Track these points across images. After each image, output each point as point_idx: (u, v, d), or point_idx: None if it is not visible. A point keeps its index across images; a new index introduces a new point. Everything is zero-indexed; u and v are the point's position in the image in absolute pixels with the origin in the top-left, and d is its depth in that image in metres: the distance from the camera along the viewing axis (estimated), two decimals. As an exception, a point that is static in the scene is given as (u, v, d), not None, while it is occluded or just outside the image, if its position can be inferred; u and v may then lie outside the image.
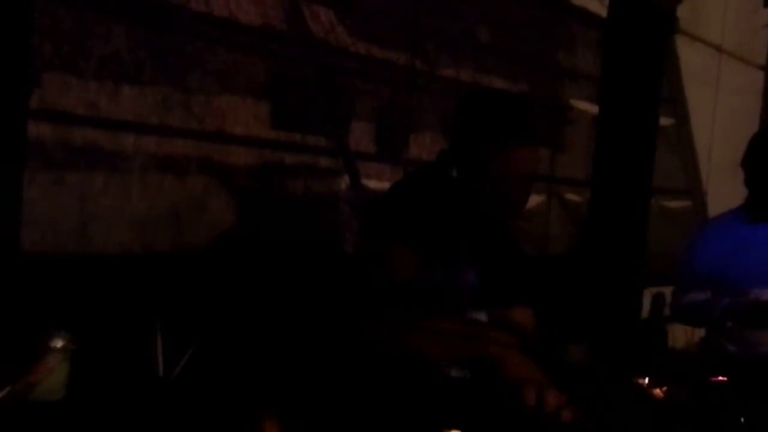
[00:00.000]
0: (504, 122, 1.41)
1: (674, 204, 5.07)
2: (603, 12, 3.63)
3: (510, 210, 1.46)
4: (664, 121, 4.35)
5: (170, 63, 2.30)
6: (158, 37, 2.25)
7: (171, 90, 2.29)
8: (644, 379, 1.27)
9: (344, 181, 2.79)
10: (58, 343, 1.66)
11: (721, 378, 1.40)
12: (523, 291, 1.59)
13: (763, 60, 5.54)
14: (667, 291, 2.41)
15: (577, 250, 3.97)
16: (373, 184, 2.77)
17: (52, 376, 1.55)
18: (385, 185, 2.56)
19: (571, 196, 4.24)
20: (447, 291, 1.46)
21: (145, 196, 2.26)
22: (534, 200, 4.15)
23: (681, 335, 3.73)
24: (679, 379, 1.34)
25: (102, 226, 2.19)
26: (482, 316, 1.52)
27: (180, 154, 2.33)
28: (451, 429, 1.03)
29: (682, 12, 3.99)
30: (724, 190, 4.42)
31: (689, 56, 4.63)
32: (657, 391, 1.26)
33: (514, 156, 1.40)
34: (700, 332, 2.52)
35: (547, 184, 3.98)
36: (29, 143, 2.05)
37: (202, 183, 2.38)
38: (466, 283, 1.49)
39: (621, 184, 3.66)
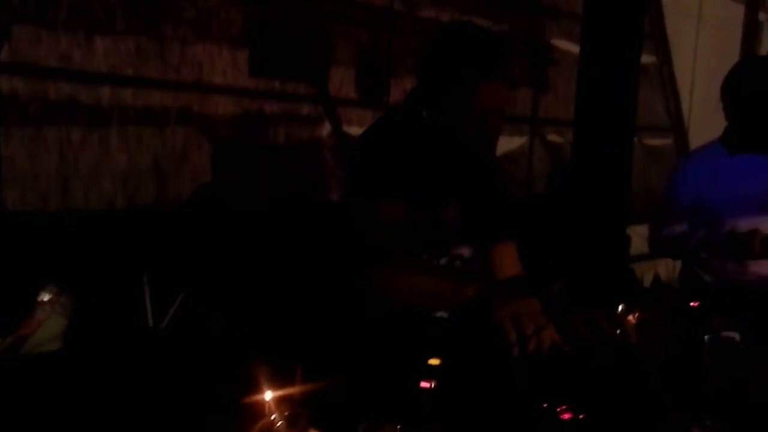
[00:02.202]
0: (473, 57, 1.39)
1: (657, 142, 5.09)
2: (584, -53, 3.56)
3: (485, 144, 1.46)
4: (646, 58, 4.33)
5: (143, 11, 2.24)
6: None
7: (145, 40, 2.24)
8: (619, 306, 1.31)
9: (326, 128, 2.77)
10: (46, 297, 1.68)
11: (693, 303, 1.45)
12: (505, 225, 1.61)
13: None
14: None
15: (559, 190, 4.00)
16: (354, 130, 2.76)
17: (42, 329, 1.57)
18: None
19: (554, 137, 4.25)
20: (431, 229, 1.48)
21: (125, 149, 2.24)
22: (516, 141, 4.15)
23: (663, 270, 3.81)
24: (654, 306, 1.38)
25: (83, 181, 2.17)
26: (466, 252, 1.54)
27: (158, 105, 2.30)
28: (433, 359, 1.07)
29: (663, -55, 3.93)
30: (707, 127, 4.43)
31: (671, -9, 4.58)
32: (630, 317, 1.31)
33: (485, 90, 1.38)
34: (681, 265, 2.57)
35: (530, 125, 3.97)
36: (2, 98, 2.01)
37: (181, 134, 2.35)
38: (449, 220, 1.51)
39: (604, 124, 3.66)
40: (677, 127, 5.19)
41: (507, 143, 3.98)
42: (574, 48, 3.97)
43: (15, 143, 2.06)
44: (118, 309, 1.94)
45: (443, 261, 1.51)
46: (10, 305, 1.72)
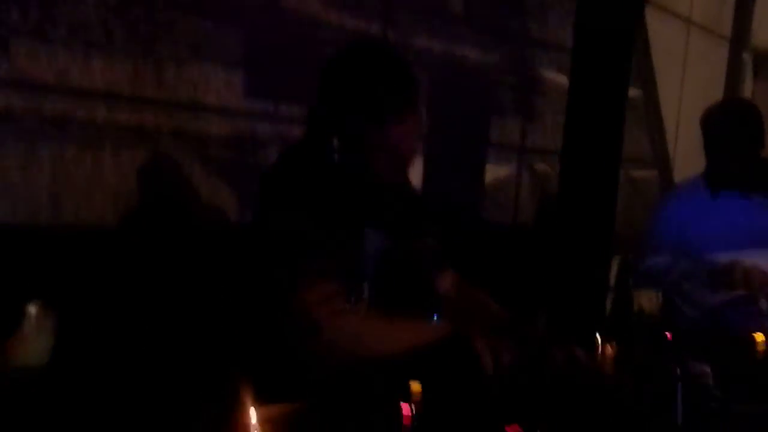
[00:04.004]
0: (384, 95, 1.31)
1: (641, 174, 5.17)
2: (575, -18, 3.65)
3: (395, 174, 1.40)
4: (633, 92, 4.42)
5: (141, 30, 2.28)
6: (128, 3, 2.23)
7: (142, 59, 2.28)
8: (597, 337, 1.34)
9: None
10: (33, 312, 1.68)
11: (668, 334, 1.48)
12: (443, 257, 1.58)
13: (729, 32, 5.63)
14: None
15: (546, 219, 4.05)
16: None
17: (29, 344, 1.57)
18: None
19: (542, 166, 4.31)
20: (357, 257, 1.42)
21: (118, 168, 2.26)
22: (504, 170, 4.21)
23: (646, 301, 3.85)
24: (633, 338, 1.41)
25: (76, 197, 2.19)
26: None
27: (152, 124, 2.33)
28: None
29: (651, -17, 4.04)
30: (691, 161, 4.51)
31: (658, 27, 4.70)
32: (608, 347, 1.34)
33: (399, 128, 1.33)
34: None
35: (518, 155, 4.04)
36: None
37: (175, 153, 2.38)
38: (373, 246, 1.44)
39: (591, 155, 3.73)
40: (662, 160, 5.29)
41: (494, 171, 4.03)
42: (563, 79, 4.05)
43: (9, 157, 2.08)
44: (106, 326, 1.95)
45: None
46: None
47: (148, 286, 2.08)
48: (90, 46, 2.17)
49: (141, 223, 2.27)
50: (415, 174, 2.77)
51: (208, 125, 2.46)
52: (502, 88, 3.82)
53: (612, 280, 3.83)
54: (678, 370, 1.20)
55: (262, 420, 0.99)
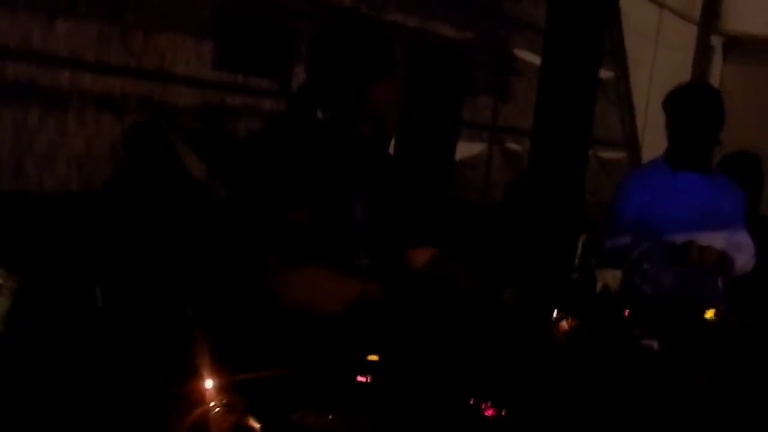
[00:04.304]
0: (362, 59, 1.36)
1: (610, 155, 5.24)
2: (549, -38, 3.65)
3: (381, 143, 1.44)
4: (605, 74, 4.46)
5: (108, -3, 2.24)
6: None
7: (108, 26, 2.24)
8: (556, 314, 1.37)
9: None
10: (-5, 278, 1.67)
11: (626, 312, 1.52)
12: (421, 230, 1.58)
13: (698, 16, 5.69)
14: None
15: (515, 197, 4.09)
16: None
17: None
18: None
19: (513, 145, 4.35)
20: (335, 235, 1.44)
21: (82, 134, 2.23)
22: (476, 148, 4.23)
23: (610, 280, 3.93)
24: (589, 314, 1.44)
25: (39, 163, 2.16)
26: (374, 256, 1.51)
27: (118, 91, 2.30)
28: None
29: (625, -35, 4.06)
30: (660, 143, 4.60)
31: (631, 10, 4.73)
32: (564, 323, 1.37)
33: (378, 91, 1.37)
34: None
35: (490, 133, 4.06)
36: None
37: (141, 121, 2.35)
38: (355, 225, 1.47)
39: (561, 135, 3.76)
40: (631, 141, 5.36)
41: (466, 149, 4.06)
42: (536, 59, 4.07)
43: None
44: (66, 291, 1.94)
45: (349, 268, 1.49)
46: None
47: (117, 251, 2.07)
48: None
49: (114, 189, 2.24)
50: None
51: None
52: (476, 67, 3.83)
53: (577, 259, 3.90)
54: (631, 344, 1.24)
55: (219, 389, 1.01)
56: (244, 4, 2.56)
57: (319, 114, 1.41)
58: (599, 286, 2.41)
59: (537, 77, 3.78)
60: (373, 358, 1.13)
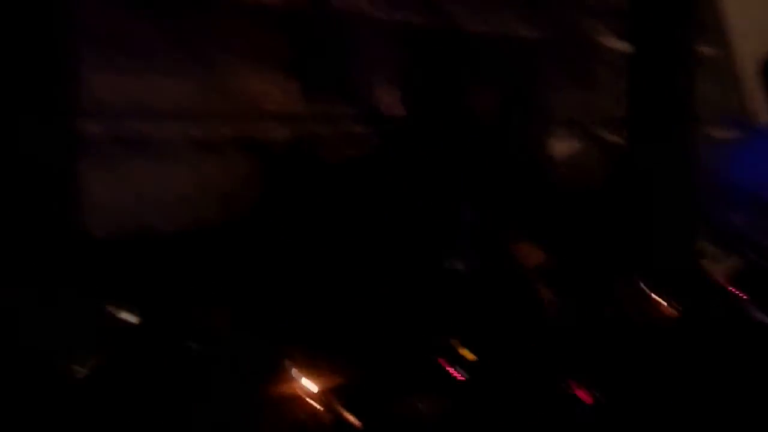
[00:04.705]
0: (455, 68, 1.49)
1: (720, 134, 5.00)
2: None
3: (480, 147, 1.55)
4: (705, 49, 4.26)
5: (203, 51, 2.45)
6: (190, 28, 2.40)
7: (206, 76, 2.46)
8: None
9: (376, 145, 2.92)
10: (124, 317, 1.90)
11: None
12: (529, 226, 1.68)
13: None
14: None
15: (617, 187, 4.01)
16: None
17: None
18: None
19: (609, 136, 4.26)
20: (445, 229, 1.57)
21: (191, 177, 2.46)
22: (569, 143, 4.18)
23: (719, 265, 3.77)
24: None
25: (156, 208, 2.40)
26: (484, 250, 1.63)
27: (219, 135, 2.51)
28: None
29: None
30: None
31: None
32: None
33: (472, 97, 1.49)
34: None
35: (579, 126, 4.01)
36: (83, 139, 2.26)
37: (241, 160, 2.56)
38: (463, 220, 1.59)
39: (660, 118, 3.65)
40: (740, 118, 5.08)
41: (559, 145, 4.02)
42: (623, 45, 3.97)
43: (95, 177, 2.31)
44: (187, 327, 2.14)
45: (461, 260, 1.61)
46: (89, 320, 1.94)
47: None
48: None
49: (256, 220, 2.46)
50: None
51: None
52: (559, 62, 3.80)
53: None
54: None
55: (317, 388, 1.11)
56: (325, 37, 2.71)
57: (423, 125, 1.58)
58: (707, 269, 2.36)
59: (626, 64, 3.69)
60: (469, 355, 1.21)
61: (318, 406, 1.11)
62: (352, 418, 1.10)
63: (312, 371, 1.16)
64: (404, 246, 1.57)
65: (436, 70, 1.61)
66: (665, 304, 1.42)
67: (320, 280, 2.23)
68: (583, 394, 1.08)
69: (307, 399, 1.12)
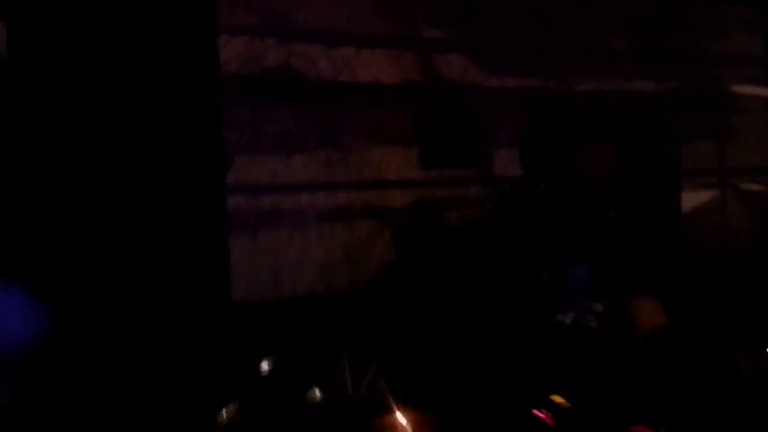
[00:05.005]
0: (573, 129, 1.59)
1: None
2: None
3: (595, 205, 1.61)
4: None
5: (329, 129, 2.72)
6: (316, 110, 2.68)
7: (332, 151, 2.71)
8: None
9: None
10: (266, 367, 2.11)
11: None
12: (642, 280, 1.70)
13: None
14: None
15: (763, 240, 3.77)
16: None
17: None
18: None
19: (749, 186, 4.03)
20: (559, 287, 1.64)
21: (322, 243, 2.68)
22: (705, 196, 4.00)
23: None
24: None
25: (291, 273, 2.64)
26: (598, 306, 1.68)
27: (345, 203, 2.73)
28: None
29: None
30: None
31: None
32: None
33: (588, 157, 1.56)
34: None
35: (718, 177, 3.84)
36: (229, 213, 2.57)
37: (366, 226, 2.75)
38: (577, 278, 1.66)
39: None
40: None
41: (693, 198, 3.86)
42: (760, 91, 3.80)
43: (239, 246, 2.59)
44: (323, 379, 2.31)
45: (571, 315, 1.66)
46: (235, 375, 2.16)
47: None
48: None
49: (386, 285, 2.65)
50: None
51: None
52: (689, 114, 3.70)
53: None
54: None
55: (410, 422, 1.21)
56: (440, 107, 2.89)
57: (542, 186, 1.70)
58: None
59: (763, 110, 3.54)
60: (560, 400, 1.25)
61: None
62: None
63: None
64: (519, 301, 1.66)
65: (552, 131, 1.72)
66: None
67: (444, 335, 2.32)
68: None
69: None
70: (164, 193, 2.40)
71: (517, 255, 1.66)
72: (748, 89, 3.93)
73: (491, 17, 2.99)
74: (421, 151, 2.86)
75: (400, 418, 1.24)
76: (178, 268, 2.42)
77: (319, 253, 2.67)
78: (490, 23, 2.99)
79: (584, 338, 1.62)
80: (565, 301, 1.68)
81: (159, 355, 2.28)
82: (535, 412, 1.22)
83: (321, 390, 2.15)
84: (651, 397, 1.29)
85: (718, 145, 3.86)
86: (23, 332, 1.17)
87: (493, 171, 3.00)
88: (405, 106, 2.82)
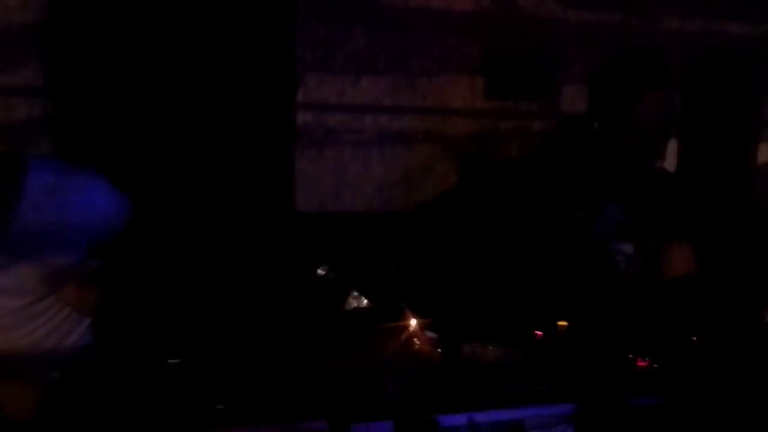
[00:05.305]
0: (635, 70, 1.60)
1: None
2: None
3: (651, 151, 1.64)
4: None
5: (398, 53, 2.78)
6: (387, 33, 2.75)
7: (399, 75, 2.78)
8: None
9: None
10: (322, 272, 2.31)
11: None
12: (678, 227, 1.73)
13: None
14: None
15: None
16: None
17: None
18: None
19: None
20: (594, 225, 1.70)
21: (382, 164, 2.80)
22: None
23: None
24: None
25: (351, 189, 2.79)
26: (627, 247, 1.73)
27: (408, 127, 2.82)
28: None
29: None
30: None
31: None
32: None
33: (646, 103, 1.58)
34: None
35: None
36: (298, 128, 2.71)
37: (427, 151, 2.84)
38: (611, 218, 1.71)
39: None
40: None
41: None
42: None
43: (305, 160, 2.75)
44: (371, 288, 2.48)
45: (604, 255, 1.73)
46: (293, 282, 2.36)
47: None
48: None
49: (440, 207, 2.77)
50: (672, 160, 2.82)
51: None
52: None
53: None
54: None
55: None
56: (511, 38, 2.89)
57: (596, 124, 1.75)
58: None
59: None
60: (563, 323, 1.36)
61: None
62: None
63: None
64: (550, 236, 1.73)
65: (619, 69, 1.73)
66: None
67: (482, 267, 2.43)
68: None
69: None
70: (238, 105, 2.56)
71: (558, 191, 1.72)
72: None
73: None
74: (487, 80, 2.88)
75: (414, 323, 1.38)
76: (249, 176, 2.61)
77: (378, 172, 2.79)
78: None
79: (607, 276, 1.69)
80: (595, 241, 1.74)
81: (229, 252, 2.51)
82: (537, 333, 1.33)
83: (366, 297, 2.32)
84: (661, 338, 1.36)
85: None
86: (112, 213, 1.33)
87: (560, 106, 3.00)
88: (475, 35, 2.83)
